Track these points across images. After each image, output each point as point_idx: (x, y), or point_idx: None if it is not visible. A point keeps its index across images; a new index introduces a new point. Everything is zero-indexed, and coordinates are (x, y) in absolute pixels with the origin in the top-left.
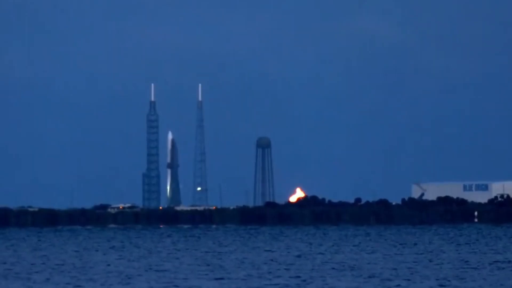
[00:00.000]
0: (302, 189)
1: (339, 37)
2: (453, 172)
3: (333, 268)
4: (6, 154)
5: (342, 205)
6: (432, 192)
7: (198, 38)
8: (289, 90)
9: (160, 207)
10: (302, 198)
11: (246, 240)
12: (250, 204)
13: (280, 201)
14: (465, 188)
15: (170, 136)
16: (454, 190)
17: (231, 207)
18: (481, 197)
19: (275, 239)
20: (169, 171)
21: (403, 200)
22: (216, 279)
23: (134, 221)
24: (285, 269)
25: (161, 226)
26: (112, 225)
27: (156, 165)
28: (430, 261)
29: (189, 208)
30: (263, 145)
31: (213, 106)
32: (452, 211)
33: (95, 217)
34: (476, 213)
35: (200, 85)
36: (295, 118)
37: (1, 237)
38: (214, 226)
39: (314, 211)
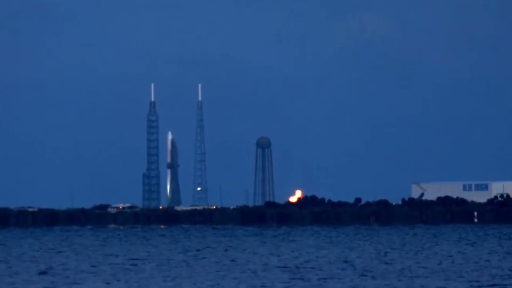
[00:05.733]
0: (301, 191)
1: (339, 37)
2: (453, 172)
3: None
4: (7, 154)
5: (342, 205)
6: (432, 192)
7: (198, 37)
8: (289, 90)
9: (160, 207)
10: (302, 198)
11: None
12: (250, 204)
13: (280, 201)
14: (464, 188)
15: (170, 136)
16: (454, 190)
17: (231, 207)
18: (481, 197)
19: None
20: (169, 171)
21: (403, 200)
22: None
23: (134, 221)
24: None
25: (162, 226)
26: (112, 225)
27: (156, 165)
28: None
29: (189, 208)
30: (263, 145)
31: (213, 106)
32: (452, 211)
33: (95, 217)
34: (475, 213)
35: (200, 85)
36: (295, 118)
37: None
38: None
39: (314, 211)
